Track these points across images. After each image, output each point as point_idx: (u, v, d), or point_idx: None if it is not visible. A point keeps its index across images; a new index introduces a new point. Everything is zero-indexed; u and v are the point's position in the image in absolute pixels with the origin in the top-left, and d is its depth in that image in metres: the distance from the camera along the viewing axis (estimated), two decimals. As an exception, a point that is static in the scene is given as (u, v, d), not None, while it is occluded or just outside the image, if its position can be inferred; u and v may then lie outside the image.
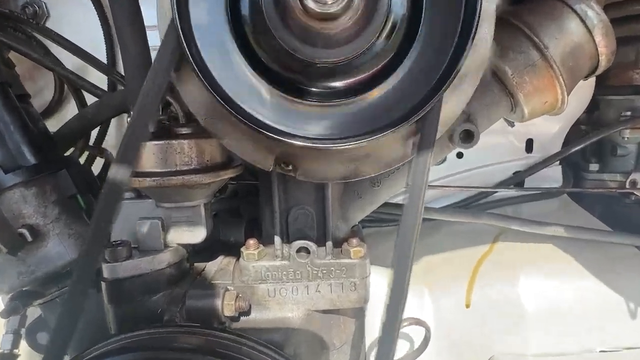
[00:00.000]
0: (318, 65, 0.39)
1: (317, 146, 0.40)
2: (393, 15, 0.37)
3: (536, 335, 0.68)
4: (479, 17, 0.33)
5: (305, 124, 0.40)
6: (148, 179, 0.50)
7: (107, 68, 0.78)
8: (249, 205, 0.76)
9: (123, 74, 0.66)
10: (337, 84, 0.42)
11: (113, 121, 0.75)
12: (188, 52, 0.37)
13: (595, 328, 0.67)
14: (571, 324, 0.67)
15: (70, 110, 0.87)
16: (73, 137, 0.62)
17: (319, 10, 0.35)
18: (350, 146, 0.39)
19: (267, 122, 0.40)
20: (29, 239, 0.52)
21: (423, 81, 0.37)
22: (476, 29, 0.34)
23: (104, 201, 0.42)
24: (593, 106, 0.91)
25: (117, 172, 0.42)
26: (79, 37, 0.78)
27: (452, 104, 0.44)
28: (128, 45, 0.50)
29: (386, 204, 0.70)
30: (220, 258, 0.65)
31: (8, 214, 0.52)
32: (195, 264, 0.60)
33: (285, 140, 0.39)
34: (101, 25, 0.81)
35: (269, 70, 0.41)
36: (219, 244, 0.65)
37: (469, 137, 0.59)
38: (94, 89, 0.69)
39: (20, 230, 0.51)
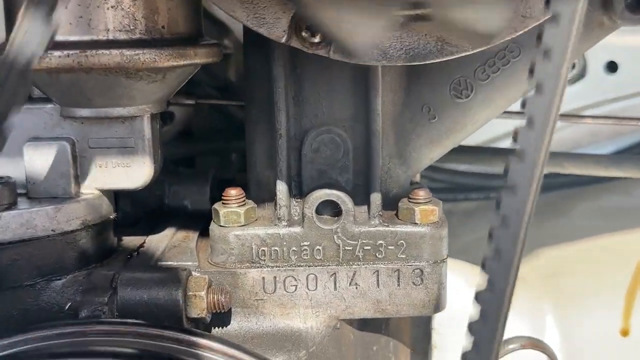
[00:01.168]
0: None
1: None
2: None
3: None
4: None
5: None
6: (56, 52, 0.25)
7: None
8: (214, 155, 0.48)
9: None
10: None
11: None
12: None
13: None
14: None
15: None
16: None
17: None
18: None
19: None
20: None
21: None
22: None
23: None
24: None
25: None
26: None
27: None
28: None
29: (470, 151, 0.38)
30: (169, 231, 0.36)
31: None
32: (125, 239, 0.34)
33: None
34: None
35: None
36: (164, 212, 0.36)
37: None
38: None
39: None
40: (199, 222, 0.34)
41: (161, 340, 0.25)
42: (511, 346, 0.31)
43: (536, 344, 0.32)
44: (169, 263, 0.29)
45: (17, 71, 0.14)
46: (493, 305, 0.15)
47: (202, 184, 0.35)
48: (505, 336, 0.17)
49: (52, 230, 0.27)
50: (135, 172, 0.28)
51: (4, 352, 0.25)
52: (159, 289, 0.28)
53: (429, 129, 0.31)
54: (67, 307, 0.28)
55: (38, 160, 0.27)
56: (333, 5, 0.22)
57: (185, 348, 0.25)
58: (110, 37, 0.26)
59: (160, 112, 0.30)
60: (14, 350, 0.25)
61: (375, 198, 0.29)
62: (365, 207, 0.30)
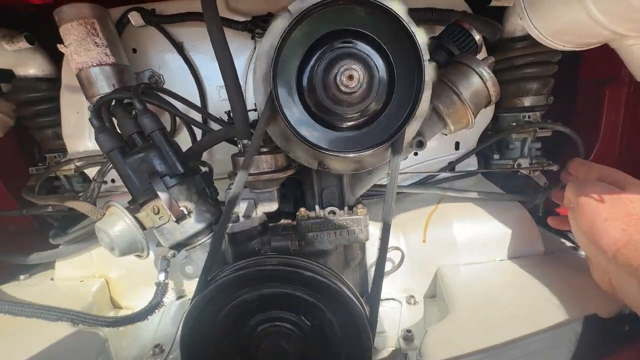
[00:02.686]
0: (341, 115, 0.57)
1: (341, 155, 0.58)
2: (378, 93, 0.55)
3: (462, 254, 0.86)
4: (423, 92, 0.51)
5: (335, 144, 0.58)
6: (251, 177, 0.67)
7: (201, 109, 0.95)
8: (291, 191, 0.94)
9: (211, 114, 0.84)
10: (352, 123, 0.59)
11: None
12: (280, 110, 0.55)
13: (495, 246, 0.85)
14: (482, 245, 0.85)
15: (178, 139, 1.03)
16: (195, 156, 0.78)
17: (344, 90, 0.52)
18: (359, 154, 0.57)
19: (316, 142, 0.58)
20: (186, 213, 0.68)
21: (395, 121, 0.55)
22: (421, 95, 0.52)
23: (236, 186, 0.59)
24: (494, 119, 1.09)
25: (242, 177, 0.59)
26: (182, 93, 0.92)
27: (411, 130, 0.62)
28: (235, 105, 0.66)
29: (375, 185, 0.88)
30: (282, 220, 0.81)
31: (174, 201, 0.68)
32: (271, 224, 0.77)
33: (325, 152, 0.57)
34: (196, 84, 0.97)
35: (317, 116, 0.59)
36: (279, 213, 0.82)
37: (420, 145, 0.77)
38: (200, 124, 0.84)
39: (181, 208, 0.67)
40: (290, 215, 0.81)
41: (286, 259, 0.72)
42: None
43: (396, 248, 0.84)
44: (286, 233, 0.77)
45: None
46: (385, 234, 0.65)
47: (289, 202, 0.83)
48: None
49: (250, 226, 0.74)
50: (272, 207, 0.75)
51: (237, 266, 0.70)
52: (283, 242, 0.75)
53: (360, 184, 0.81)
54: (256, 250, 0.74)
55: (245, 205, 0.73)
56: (331, 159, 0.70)
57: (296, 260, 0.73)
58: (264, 170, 0.71)
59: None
60: (239, 265, 0.70)
61: (346, 208, 0.78)
62: (343, 211, 0.78)
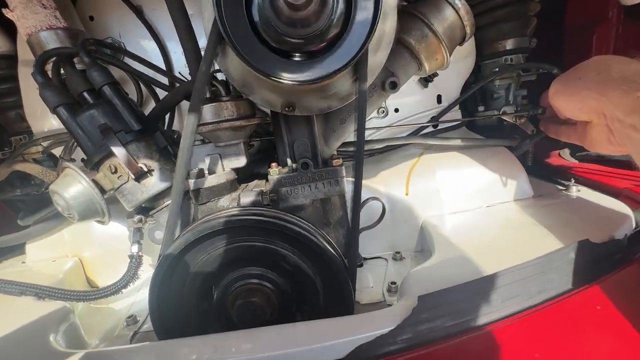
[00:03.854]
0: (297, 38, 0.51)
1: (304, 85, 0.52)
2: (338, 10, 0.50)
3: (447, 204, 0.82)
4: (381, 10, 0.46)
5: (297, 73, 0.53)
6: (209, 125, 0.62)
7: (167, 72, 0.89)
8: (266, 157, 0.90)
9: (176, 76, 0.79)
10: (311, 48, 0.54)
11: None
12: (230, 41, 0.49)
13: (481, 193, 0.81)
14: (467, 193, 0.81)
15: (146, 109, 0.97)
16: (158, 116, 0.73)
17: (293, 3, 0.47)
18: (322, 83, 0.52)
19: (277, 73, 0.52)
20: (146, 170, 0.63)
21: (355, 45, 0.50)
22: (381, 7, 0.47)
23: (186, 139, 0.54)
24: (476, 69, 1.04)
25: (191, 120, 0.54)
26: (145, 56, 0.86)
27: (376, 59, 0.57)
28: (189, 50, 0.61)
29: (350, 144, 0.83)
30: (255, 181, 0.77)
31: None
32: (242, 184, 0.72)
33: (288, 82, 0.52)
34: (158, 46, 0.92)
35: (273, 48, 0.53)
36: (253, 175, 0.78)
37: (394, 86, 0.72)
38: (162, 84, 0.79)
39: (140, 166, 0.62)
40: (264, 177, 0.76)
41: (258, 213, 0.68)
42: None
43: (375, 198, 0.80)
44: (256, 189, 0.72)
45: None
46: (358, 183, 0.61)
47: (263, 164, 0.78)
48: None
49: (217, 182, 0.69)
50: (240, 161, 0.70)
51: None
52: (253, 198, 0.71)
53: (334, 135, 0.76)
54: (224, 208, 0.70)
55: (210, 161, 0.68)
56: (296, 97, 0.64)
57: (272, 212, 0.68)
58: (226, 118, 0.66)
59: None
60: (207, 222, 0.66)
61: (319, 159, 0.73)
62: (316, 163, 0.74)
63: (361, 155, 0.60)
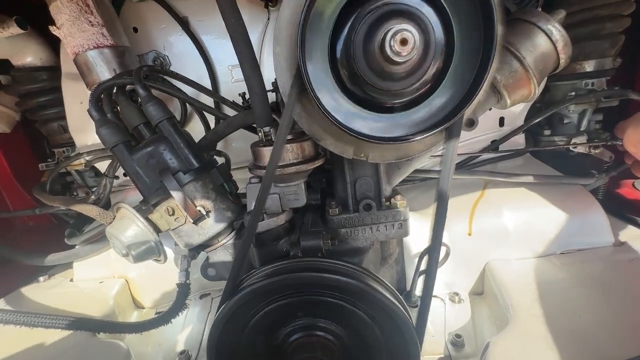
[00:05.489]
0: (386, 93, 0.45)
1: (385, 143, 0.47)
2: (434, 62, 0.43)
3: (516, 247, 0.76)
4: (492, 61, 0.39)
5: (376, 130, 0.47)
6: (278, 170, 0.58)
7: (214, 93, 0.85)
8: (315, 179, 0.85)
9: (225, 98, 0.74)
10: (398, 102, 0.48)
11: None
12: (311, 92, 0.44)
13: (554, 237, 0.74)
14: (538, 237, 0.75)
15: (190, 127, 0.94)
16: (210, 146, 0.69)
17: (396, 59, 0.40)
18: (407, 143, 0.46)
19: (358, 129, 0.47)
20: (204, 213, 0.59)
21: (449, 104, 0.43)
22: (490, 66, 0.40)
23: (263, 191, 0.49)
24: (545, 89, 0.94)
25: (268, 174, 0.50)
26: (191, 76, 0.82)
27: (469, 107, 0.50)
28: (253, 85, 0.56)
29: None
30: (310, 214, 0.72)
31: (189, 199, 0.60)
32: (295, 216, 0.68)
33: (368, 140, 0.46)
34: (203, 59, 0.87)
35: (355, 95, 0.47)
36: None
37: (472, 124, 0.64)
38: (213, 110, 0.75)
39: (198, 208, 0.59)
40: (316, 207, 0.72)
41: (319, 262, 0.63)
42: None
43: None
44: (315, 229, 0.68)
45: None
46: (438, 231, 0.54)
47: (315, 192, 0.74)
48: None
49: (276, 225, 0.65)
50: (300, 202, 0.66)
51: (264, 272, 0.62)
52: (313, 241, 0.66)
53: (398, 172, 0.70)
54: (284, 251, 0.66)
55: (270, 202, 0.64)
56: (370, 147, 0.59)
57: (328, 263, 0.64)
58: (290, 162, 0.60)
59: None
60: (267, 271, 0.62)
61: (383, 200, 0.68)
62: (380, 204, 0.69)
63: (443, 217, 0.54)
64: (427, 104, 0.47)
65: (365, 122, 0.49)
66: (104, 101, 0.64)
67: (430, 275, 0.55)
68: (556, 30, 0.59)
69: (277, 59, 0.49)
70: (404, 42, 0.39)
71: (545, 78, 0.90)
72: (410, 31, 0.39)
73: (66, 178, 1.11)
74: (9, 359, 0.62)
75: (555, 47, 0.60)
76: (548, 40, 0.60)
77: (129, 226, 0.60)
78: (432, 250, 0.54)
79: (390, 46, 0.39)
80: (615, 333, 0.50)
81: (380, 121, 0.49)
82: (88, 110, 0.60)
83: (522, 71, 0.60)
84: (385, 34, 0.39)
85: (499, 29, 0.40)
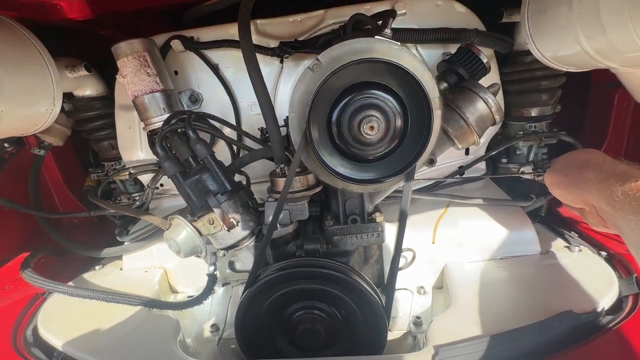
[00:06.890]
0: (363, 153, 0.69)
1: (364, 185, 0.70)
2: (393, 136, 0.66)
3: (469, 253, 0.99)
4: (430, 137, 0.62)
5: (359, 174, 0.70)
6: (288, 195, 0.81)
7: (239, 129, 1.08)
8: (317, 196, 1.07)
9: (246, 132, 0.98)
10: (372, 156, 0.71)
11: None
12: (314, 151, 0.67)
13: (497, 246, 0.97)
14: (485, 246, 0.98)
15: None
16: (237, 170, 0.92)
17: (366, 137, 0.64)
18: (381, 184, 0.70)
19: (344, 174, 0.70)
20: (235, 223, 0.83)
21: (408, 154, 0.67)
22: (429, 139, 0.63)
23: (277, 209, 0.73)
24: (504, 125, 1.17)
25: (282, 198, 0.73)
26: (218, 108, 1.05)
27: (423, 155, 0.73)
28: (274, 136, 0.80)
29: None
30: (310, 224, 0.95)
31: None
32: (300, 225, 0.90)
33: (350, 183, 0.70)
34: (229, 97, 1.10)
35: (345, 153, 0.71)
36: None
37: (432, 162, 0.88)
38: (241, 144, 0.98)
39: (231, 220, 0.83)
40: (315, 218, 0.96)
41: (318, 260, 0.88)
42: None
43: (409, 249, 0.99)
44: (315, 236, 0.92)
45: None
46: (400, 239, 0.80)
47: (315, 206, 0.98)
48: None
49: (286, 233, 0.89)
50: (304, 215, 0.90)
51: (277, 266, 0.87)
52: (314, 245, 0.91)
53: (378, 194, 0.94)
54: (291, 252, 0.90)
55: (282, 216, 0.88)
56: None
57: (325, 262, 0.88)
58: (299, 189, 0.85)
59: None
60: (279, 266, 0.87)
61: (365, 216, 0.92)
62: (363, 218, 0.93)
63: (402, 235, 0.78)
64: (392, 159, 0.71)
65: (347, 169, 0.73)
66: (157, 138, 0.87)
67: (392, 271, 0.80)
68: (491, 99, 0.82)
69: (292, 122, 0.73)
70: (371, 128, 0.62)
71: (499, 125, 1.15)
72: (376, 119, 0.63)
73: (110, 185, 1.35)
74: (90, 325, 0.87)
75: (491, 111, 0.83)
76: (485, 105, 0.83)
77: (182, 231, 0.84)
78: (396, 253, 0.79)
79: (363, 129, 0.63)
80: (521, 312, 0.74)
81: (358, 169, 0.73)
82: (154, 150, 0.84)
83: (466, 127, 0.83)
84: (362, 120, 0.63)
85: (436, 121, 0.64)
